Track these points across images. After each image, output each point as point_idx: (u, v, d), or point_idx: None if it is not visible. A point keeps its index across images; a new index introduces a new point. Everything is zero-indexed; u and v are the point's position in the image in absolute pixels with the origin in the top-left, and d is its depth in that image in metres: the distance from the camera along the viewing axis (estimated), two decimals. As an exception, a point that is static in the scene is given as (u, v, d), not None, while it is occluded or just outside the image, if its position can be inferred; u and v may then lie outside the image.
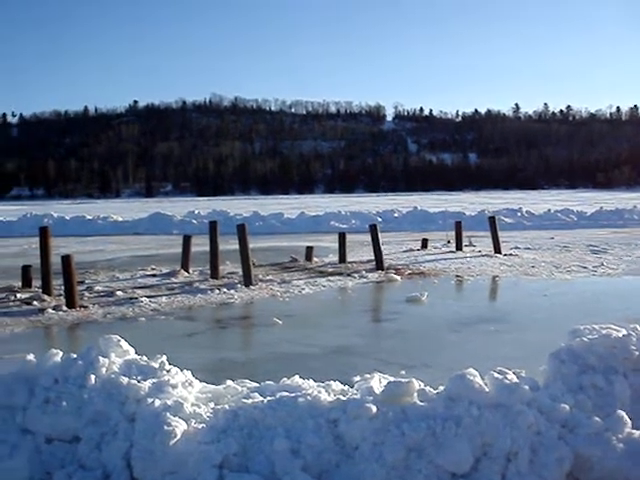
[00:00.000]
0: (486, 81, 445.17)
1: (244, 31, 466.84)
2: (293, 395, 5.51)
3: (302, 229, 35.83)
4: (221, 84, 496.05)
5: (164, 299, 14.55)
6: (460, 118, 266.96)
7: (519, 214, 39.73)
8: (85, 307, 13.64)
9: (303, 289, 15.66)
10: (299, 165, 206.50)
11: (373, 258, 19.15)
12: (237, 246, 16.95)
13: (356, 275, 17.58)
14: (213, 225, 17.73)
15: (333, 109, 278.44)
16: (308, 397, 5.45)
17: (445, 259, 21.16)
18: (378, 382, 5.82)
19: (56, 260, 15.02)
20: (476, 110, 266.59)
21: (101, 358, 5.85)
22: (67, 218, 41.96)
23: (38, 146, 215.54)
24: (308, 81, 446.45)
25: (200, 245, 19.96)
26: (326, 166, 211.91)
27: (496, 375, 5.41)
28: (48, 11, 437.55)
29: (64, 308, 13.44)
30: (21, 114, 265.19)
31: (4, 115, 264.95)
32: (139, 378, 5.73)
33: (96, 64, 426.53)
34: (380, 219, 36.50)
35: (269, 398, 5.54)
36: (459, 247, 23.67)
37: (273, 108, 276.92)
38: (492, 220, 23.34)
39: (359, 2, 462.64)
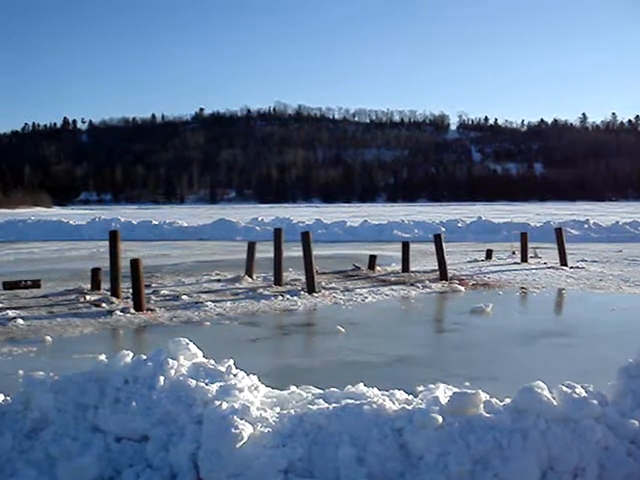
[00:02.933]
0: (553, 90, 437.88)
1: (309, 40, 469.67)
2: (358, 403, 5.52)
3: (365, 238, 35.83)
4: (285, 92, 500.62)
5: (228, 304, 14.73)
6: (526, 127, 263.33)
7: (586, 226, 38.90)
8: (152, 310, 13.91)
9: (366, 297, 15.66)
10: (362, 174, 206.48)
11: (437, 268, 19.03)
12: (300, 253, 17.04)
13: (419, 285, 17.49)
14: (278, 232, 17.87)
15: (397, 118, 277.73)
16: (373, 405, 5.44)
17: (510, 270, 20.88)
18: (443, 392, 5.78)
19: (124, 264, 15.37)
20: (542, 119, 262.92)
21: (170, 360, 5.96)
22: (134, 223, 42.79)
23: (106, 152, 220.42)
24: (372, 89, 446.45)
25: (263, 251, 20.13)
26: (389, 175, 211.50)
27: (564, 389, 5.33)
28: (117, 21, 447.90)
29: (132, 311, 13.74)
30: (90, 121, 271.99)
31: (74, 121, 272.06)
32: (206, 381, 5.82)
33: (164, 72, 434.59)
34: (443, 229, 36.22)
35: (334, 405, 5.56)
36: (524, 259, 23.34)
37: (336, 116, 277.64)
38: (559, 232, 22.94)
39: (423, 12, 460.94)
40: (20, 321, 12.82)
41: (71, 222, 45.26)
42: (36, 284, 17.34)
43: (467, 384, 7.87)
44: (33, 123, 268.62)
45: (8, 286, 17.01)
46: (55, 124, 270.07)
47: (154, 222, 43.34)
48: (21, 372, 8.72)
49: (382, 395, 5.85)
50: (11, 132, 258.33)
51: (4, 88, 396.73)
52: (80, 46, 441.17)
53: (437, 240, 19.35)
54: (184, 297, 15.45)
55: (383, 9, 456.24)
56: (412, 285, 17.51)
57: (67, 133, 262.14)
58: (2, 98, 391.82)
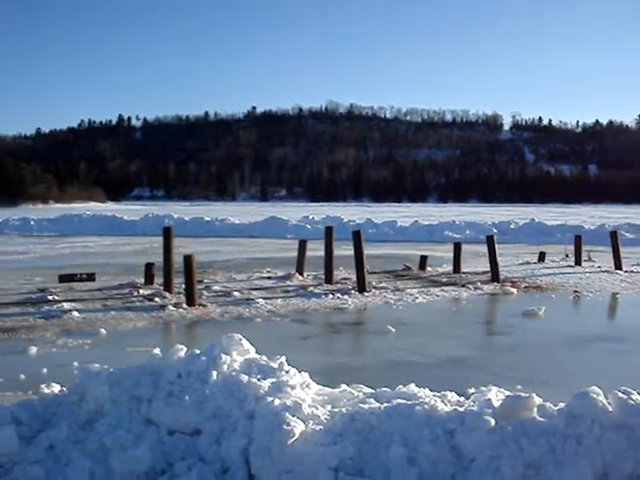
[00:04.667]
0: (609, 91, 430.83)
1: (360, 39, 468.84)
2: (410, 403, 5.49)
3: (415, 238, 35.65)
4: (337, 91, 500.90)
5: (279, 301, 14.81)
6: (580, 129, 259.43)
7: (642, 229, 38.07)
8: (204, 305, 14.05)
9: (417, 298, 15.58)
10: (413, 173, 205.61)
11: (488, 269, 18.84)
12: (350, 252, 17.02)
13: (471, 286, 17.35)
14: (329, 230, 17.87)
15: (449, 117, 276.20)
16: (425, 406, 5.42)
17: (563, 273, 20.58)
18: (495, 395, 5.73)
19: (177, 259, 15.56)
20: (597, 120, 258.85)
21: (223, 355, 6.01)
22: (186, 219, 43.27)
23: (160, 149, 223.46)
24: (424, 89, 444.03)
25: (314, 250, 20.16)
26: (440, 175, 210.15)
27: (620, 395, 5.23)
28: (171, 20, 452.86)
29: (184, 306, 13.90)
30: (145, 118, 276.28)
31: (129, 119, 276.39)
32: (259, 377, 5.86)
33: (217, 71, 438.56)
34: (495, 230, 35.80)
35: (385, 404, 5.55)
36: (578, 262, 22.98)
37: (388, 115, 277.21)
38: (614, 235, 22.52)
39: (477, 10, 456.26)
40: (75, 314, 13.08)
41: (125, 217, 45.97)
42: (91, 277, 17.66)
43: (519, 387, 7.78)
44: (89, 120, 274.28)
45: (64, 279, 17.35)
46: (110, 121, 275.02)
47: (206, 219, 43.77)
48: (76, 364, 8.93)
49: (434, 396, 5.81)
50: (67, 128, 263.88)
51: (61, 85, 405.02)
52: (137, 45, 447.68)
53: (489, 241, 19.15)
54: (235, 293, 15.58)
55: (435, 9, 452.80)
56: (463, 286, 17.37)
57: (122, 130, 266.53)
58: (59, 95, 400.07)
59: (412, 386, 6.05)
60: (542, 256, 24.17)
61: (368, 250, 17.37)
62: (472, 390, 6.35)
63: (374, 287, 16.69)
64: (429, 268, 20.67)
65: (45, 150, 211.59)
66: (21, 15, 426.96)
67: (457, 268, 20.14)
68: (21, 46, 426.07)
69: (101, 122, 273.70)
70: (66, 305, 13.93)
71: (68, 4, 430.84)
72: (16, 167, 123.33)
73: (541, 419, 5.19)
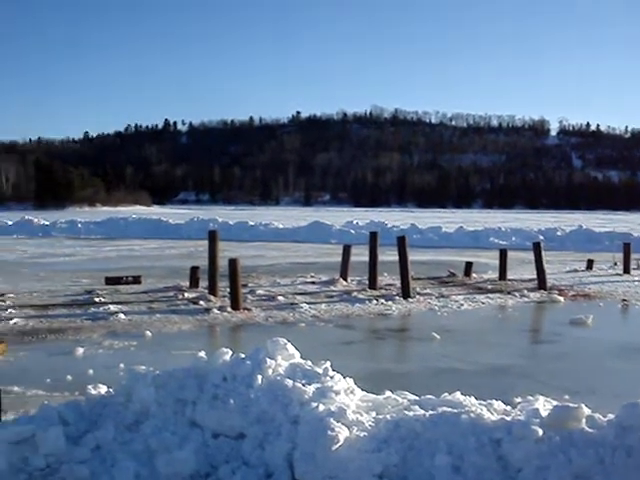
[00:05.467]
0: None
1: (406, 43, 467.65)
2: (456, 411, 5.44)
3: (460, 244, 35.34)
4: (382, 96, 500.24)
5: (323, 306, 14.80)
6: (629, 134, 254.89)
7: (693, 238, 37.23)
8: (248, 309, 14.11)
9: (462, 305, 15.45)
10: (457, 179, 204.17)
11: (535, 277, 18.60)
12: (394, 258, 16.94)
13: (517, 293, 17.13)
14: (373, 236, 17.83)
15: (495, 122, 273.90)
16: (471, 414, 5.36)
17: (611, 282, 20.22)
18: (542, 405, 5.65)
19: (221, 263, 15.66)
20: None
21: (268, 360, 6.02)
22: (231, 223, 43.51)
23: (205, 153, 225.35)
24: (470, 93, 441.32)
25: (357, 255, 20.12)
26: (485, 180, 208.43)
27: (672, 406, 5.11)
28: (216, 25, 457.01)
29: (228, 309, 13.97)
30: (190, 122, 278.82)
31: (175, 123, 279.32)
32: (303, 382, 5.85)
33: (262, 76, 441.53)
34: (542, 237, 35.31)
35: (431, 412, 5.50)
36: (627, 270, 22.56)
37: (433, 120, 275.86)
38: (664, 243, 22.08)
39: (524, 17, 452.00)
40: (121, 316, 13.24)
41: (170, 221, 46.41)
42: (137, 280, 17.88)
43: (566, 397, 7.66)
44: (136, 124, 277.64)
45: (110, 281, 17.60)
46: (156, 125, 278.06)
47: (250, 223, 43.98)
48: (122, 365, 9.02)
49: (479, 404, 5.75)
50: (115, 133, 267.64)
51: (109, 90, 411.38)
52: (183, 50, 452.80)
53: (536, 248, 18.90)
54: (280, 298, 15.62)
55: (483, 14, 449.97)
56: (509, 294, 17.17)
57: (168, 134, 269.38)
58: (107, 100, 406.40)
59: (458, 394, 5.99)
60: (590, 264, 23.79)
61: (412, 256, 17.28)
62: (518, 399, 6.27)
63: (418, 293, 16.60)
64: (474, 275, 20.49)
65: (92, 154, 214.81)
66: (68, 22, 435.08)
67: (503, 275, 19.92)
68: (70, 51, 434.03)
69: (147, 126, 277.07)
70: (112, 307, 14.11)
71: (113, 10, 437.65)
72: (64, 171, 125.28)
73: (590, 430, 5.11)
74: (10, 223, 46.78)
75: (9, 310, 13.69)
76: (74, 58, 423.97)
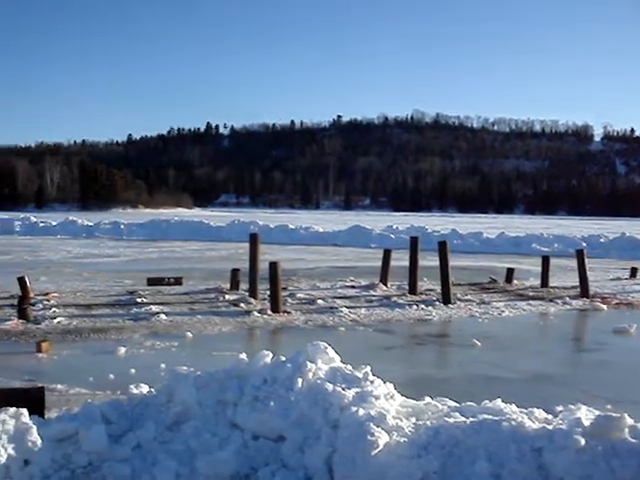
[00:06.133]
0: None
1: (447, 47, 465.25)
2: (497, 419, 5.39)
3: (501, 250, 35.04)
4: (423, 100, 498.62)
5: (363, 311, 14.78)
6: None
7: None
8: (288, 313, 14.16)
9: (503, 311, 15.30)
10: (499, 184, 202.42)
11: (577, 284, 18.32)
12: (434, 263, 16.85)
13: (559, 301, 16.91)
14: (414, 241, 17.76)
15: (538, 127, 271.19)
16: (512, 422, 5.31)
17: (656, 290, 19.86)
18: (585, 414, 5.57)
19: (262, 266, 15.74)
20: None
21: (309, 363, 6.02)
22: (271, 226, 43.68)
23: (246, 157, 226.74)
24: (512, 98, 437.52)
25: (397, 259, 20.06)
26: (527, 186, 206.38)
27: None
28: (259, 31, 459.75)
29: (269, 312, 14.04)
30: (232, 126, 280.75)
31: (217, 127, 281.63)
32: (343, 386, 5.84)
33: (302, 80, 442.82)
34: (585, 244, 34.86)
35: (471, 419, 5.46)
36: (673, 279, 22.16)
37: (475, 125, 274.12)
38: None
39: (567, 20, 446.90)
40: (163, 316, 13.38)
41: (211, 223, 46.74)
42: (178, 281, 18.05)
43: (608, 407, 7.55)
44: (178, 127, 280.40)
45: (152, 282, 17.80)
46: (199, 129, 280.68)
47: (290, 226, 44.11)
48: (163, 365, 9.12)
49: (520, 412, 5.70)
50: (157, 136, 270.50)
51: (152, 93, 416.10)
52: (225, 54, 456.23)
53: (579, 255, 18.64)
54: (319, 301, 15.64)
55: (524, 19, 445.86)
56: (551, 301, 16.96)
57: (210, 137, 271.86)
58: (150, 103, 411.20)
59: (498, 401, 5.95)
60: (634, 272, 23.38)
61: (453, 261, 17.16)
62: (560, 408, 6.18)
63: (459, 299, 16.48)
64: (515, 281, 20.29)
65: (136, 156, 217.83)
66: (113, 25, 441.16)
67: (545, 282, 19.69)
68: (113, 54, 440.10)
69: (190, 129, 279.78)
70: (154, 308, 14.27)
71: (155, 15, 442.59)
72: (108, 173, 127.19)
73: (633, 440, 5.03)
74: (54, 224, 47.55)
75: (53, 309, 13.92)
76: (118, 61, 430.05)
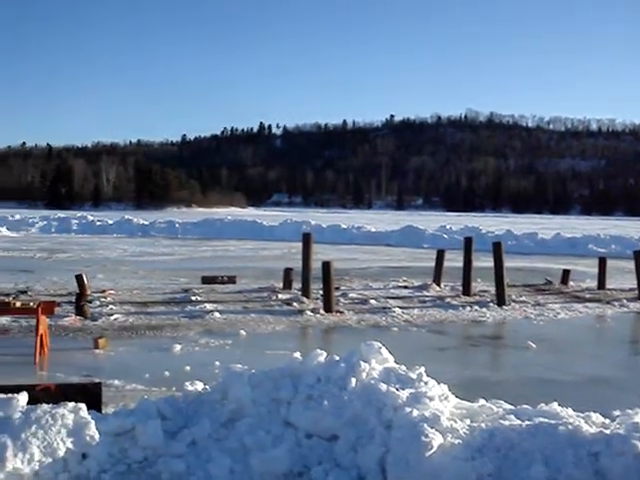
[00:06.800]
0: None
1: (501, 44, 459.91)
2: (553, 422, 5.32)
3: (557, 251, 34.47)
4: (477, 99, 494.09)
5: (416, 311, 14.72)
6: None
7: None
8: (341, 312, 14.16)
9: (558, 314, 15.07)
10: (555, 184, 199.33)
11: (636, 286, 17.94)
12: (488, 264, 16.68)
13: (616, 303, 16.60)
14: (468, 241, 17.60)
15: (594, 126, 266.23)
16: (569, 426, 5.23)
17: None
18: (643, 419, 5.46)
19: (314, 265, 15.78)
20: None
21: (362, 363, 6.02)
22: (324, 226, 43.75)
23: (298, 156, 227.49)
24: (568, 96, 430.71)
25: (451, 260, 19.92)
26: (584, 186, 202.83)
27: None
28: (311, 29, 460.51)
29: (321, 311, 14.07)
30: (285, 126, 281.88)
31: (269, 127, 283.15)
32: (397, 386, 5.83)
33: (355, 80, 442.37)
34: (643, 245, 34.13)
35: (527, 422, 5.39)
36: None
37: (530, 124, 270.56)
38: None
39: (625, 17, 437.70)
40: (217, 314, 13.51)
41: (264, 223, 47.04)
42: (232, 280, 18.22)
43: (669, 412, 7.36)
44: (231, 128, 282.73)
45: (206, 281, 18.00)
46: (252, 129, 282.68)
47: (343, 226, 44.13)
48: (217, 363, 9.21)
49: (577, 416, 5.61)
50: (211, 136, 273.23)
51: (206, 94, 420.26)
52: (277, 54, 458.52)
53: (637, 257, 18.26)
54: (372, 301, 15.62)
55: (581, 15, 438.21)
56: (608, 303, 16.66)
57: (262, 137, 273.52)
58: (204, 104, 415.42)
59: (554, 405, 5.87)
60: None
61: (507, 262, 16.95)
62: (617, 412, 6.07)
63: (513, 301, 16.29)
64: (572, 283, 19.97)
65: (189, 156, 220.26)
66: (172, 30, 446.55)
67: (602, 284, 19.34)
68: (168, 56, 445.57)
69: (243, 130, 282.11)
70: (208, 306, 14.42)
71: (208, 19, 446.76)
72: (162, 172, 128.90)
73: (694, 447, 4.91)
74: (111, 222, 48.40)
75: (110, 306, 14.18)
76: (173, 63, 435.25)
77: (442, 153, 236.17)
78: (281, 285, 17.26)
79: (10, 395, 6.02)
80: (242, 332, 11.95)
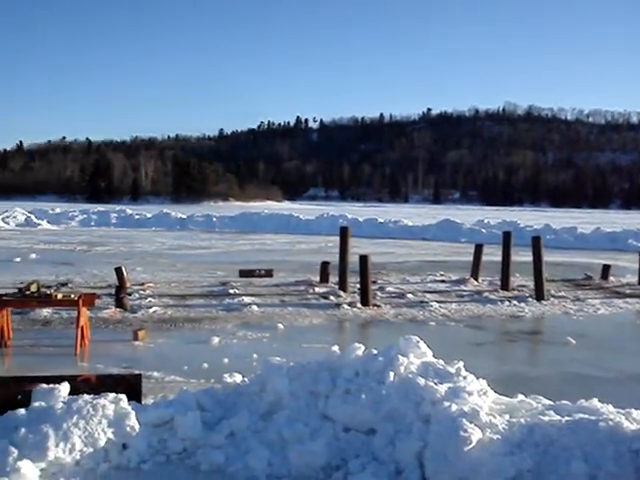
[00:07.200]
0: None
1: (540, 37, 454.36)
2: (593, 418, 5.27)
3: (596, 245, 34.02)
4: (515, 92, 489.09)
5: (453, 306, 14.65)
6: None
7: None
8: (378, 306, 14.16)
9: (598, 309, 14.89)
10: (594, 178, 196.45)
11: (677, 282, 17.69)
12: (526, 258, 16.52)
13: (657, 299, 16.36)
14: (507, 236, 17.45)
15: (634, 119, 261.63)
16: (609, 422, 5.18)
17: None
18: (685, 418, 5.39)
19: (351, 259, 15.77)
20: None
21: (400, 357, 6.03)
22: (360, 220, 43.69)
23: (335, 150, 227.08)
24: (609, 89, 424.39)
25: (488, 254, 19.76)
26: (624, 180, 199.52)
27: None
28: (348, 24, 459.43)
29: (358, 305, 14.07)
30: (321, 120, 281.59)
31: (306, 120, 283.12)
32: (435, 381, 5.82)
33: (391, 73, 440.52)
34: (685, 240, 33.54)
35: (567, 418, 5.35)
36: None
37: (569, 117, 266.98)
38: None
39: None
40: (254, 307, 13.59)
41: (301, 216, 47.12)
42: (269, 273, 18.29)
43: None
44: (268, 121, 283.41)
45: (244, 274, 18.10)
46: (288, 122, 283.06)
47: (380, 220, 44.04)
48: (255, 356, 9.27)
49: (617, 413, 5.55)
50: (248, 130, 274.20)
51: (243, 88, 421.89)
52: (315, 48, 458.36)
53: (680, 252, 17.96)
54: (409, 295, 15.59)
55: (621, 6, 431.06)
56: (648, 299, 16.41)
57: (299, 131, 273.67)
58: (241, 97, 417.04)
59: (594, 401, 5.81)
60: None
61: (546, 257, 16.77)
62: (658, 409, 5.99)
63: (552, 296, 16.13)
64: (612, 278, 19.71)
65: (226, 150, 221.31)
66: (207, 26, 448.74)
67: (643, 279, 19.06)
68: (206, 55, 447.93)
69: (279, 123, 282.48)
70: (246, 299, 14.50)
71: (242, 17, 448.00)
72: (200, 166, 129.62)
73: None
74: (149, 216, 48.88)
75: (149, 299, 14.34)
76: (209, 60, 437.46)
77: (480, 147, 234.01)
78: (318, 279, 17.28)
79: (52, 385, 6.14)
80: (279, 325, 12.00)
